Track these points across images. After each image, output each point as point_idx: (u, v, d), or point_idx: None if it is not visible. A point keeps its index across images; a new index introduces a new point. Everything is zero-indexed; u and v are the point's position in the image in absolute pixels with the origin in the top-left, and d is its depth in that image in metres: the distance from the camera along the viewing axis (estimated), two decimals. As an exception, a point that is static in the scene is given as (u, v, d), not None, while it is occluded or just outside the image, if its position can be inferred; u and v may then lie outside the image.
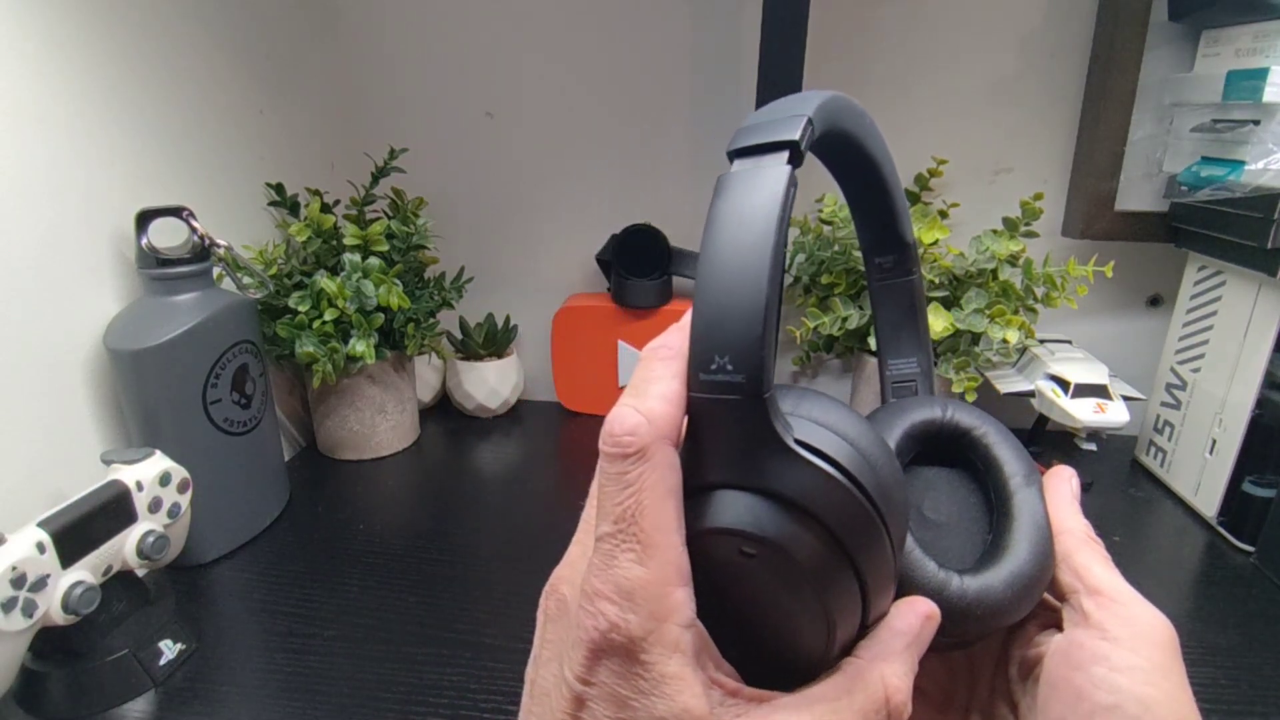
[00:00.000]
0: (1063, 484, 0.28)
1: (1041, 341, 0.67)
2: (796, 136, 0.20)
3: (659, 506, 0.19)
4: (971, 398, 0.61)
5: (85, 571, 0.38)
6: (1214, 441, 0.57)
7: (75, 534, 0.38)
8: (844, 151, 0.26)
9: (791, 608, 0.20)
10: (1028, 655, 0.27)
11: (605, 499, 0.20)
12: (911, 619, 0.22)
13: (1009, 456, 0.27)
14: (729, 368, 0.19)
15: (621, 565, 0.19)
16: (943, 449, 0.29)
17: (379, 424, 0.66)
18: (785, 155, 0.20)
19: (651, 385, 0.20)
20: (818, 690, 0.21)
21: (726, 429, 0.19)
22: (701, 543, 0.20)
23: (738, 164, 0.21)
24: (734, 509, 0.20)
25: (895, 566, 0.21)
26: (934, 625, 0.23)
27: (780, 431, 0.19)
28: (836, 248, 0.64)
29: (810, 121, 0.21)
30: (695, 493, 0.20)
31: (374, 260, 0.61)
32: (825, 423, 0.21)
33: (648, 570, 0.19)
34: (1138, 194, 0.64)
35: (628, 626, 0.19)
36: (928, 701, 0.30)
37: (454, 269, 0.71)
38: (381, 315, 0.61)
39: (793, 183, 0.20)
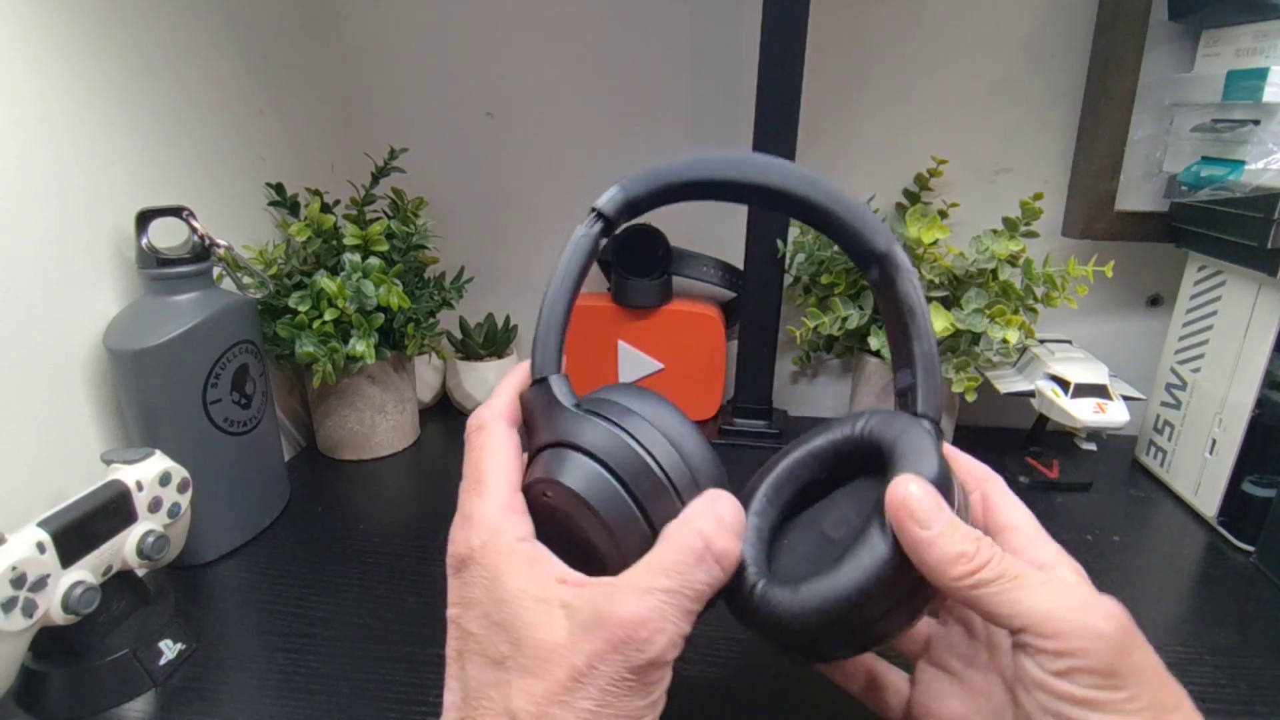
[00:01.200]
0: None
1: (1041, 341, 0.67)
2: (601, 204, 0.31)
3: (491, 460, 0.27)
4: (971, 398, 0.61)
5: (85, 571, 0.38)
6: (1214, 441, 0.57)
7: (75, 534, 0.38)
8: (741, 193, 0.34)
9: (593, 526, 0.26)
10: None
11: (464, 465, 0.27)
12: (703, 500, 0.27)
13: (898, 473, 0.27)
14: (535, 372, 0.29)
15: (468, 503, 0.27)
16: (868, 465, 0.30)
17: (379, 424, 0.66)
18: (593, 217, 0.31)
19: (498, 391, 0.30)
20: (641, 560, 0.25)
21: (533, 407, 0.29)
22: (528, 494, 0.28)
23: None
24: (537, 464, 0.28)
25: (665, 486, 0.27)
26: (728, 498, 0.27)
27: (559, 399, 0.28)
28: (836, 248, 0.64)
29: (621, 188, 0.31)
30: (530, 459, 0.29)
31: (374, 260, 0.61)
32: (606, 396, 0.29)
33: (483, 501, 0.27)
34: (1138, 194, 0.64)
35: (468, 540, 0.26)
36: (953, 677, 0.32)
37: (454, 269, 0.71)
38: (381, 315, 0.61)
39: (594, 238, 0.31)
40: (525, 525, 0.27)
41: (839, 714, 0.38)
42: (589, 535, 0.27)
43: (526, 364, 0.30)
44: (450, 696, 0.26)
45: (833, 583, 0.26)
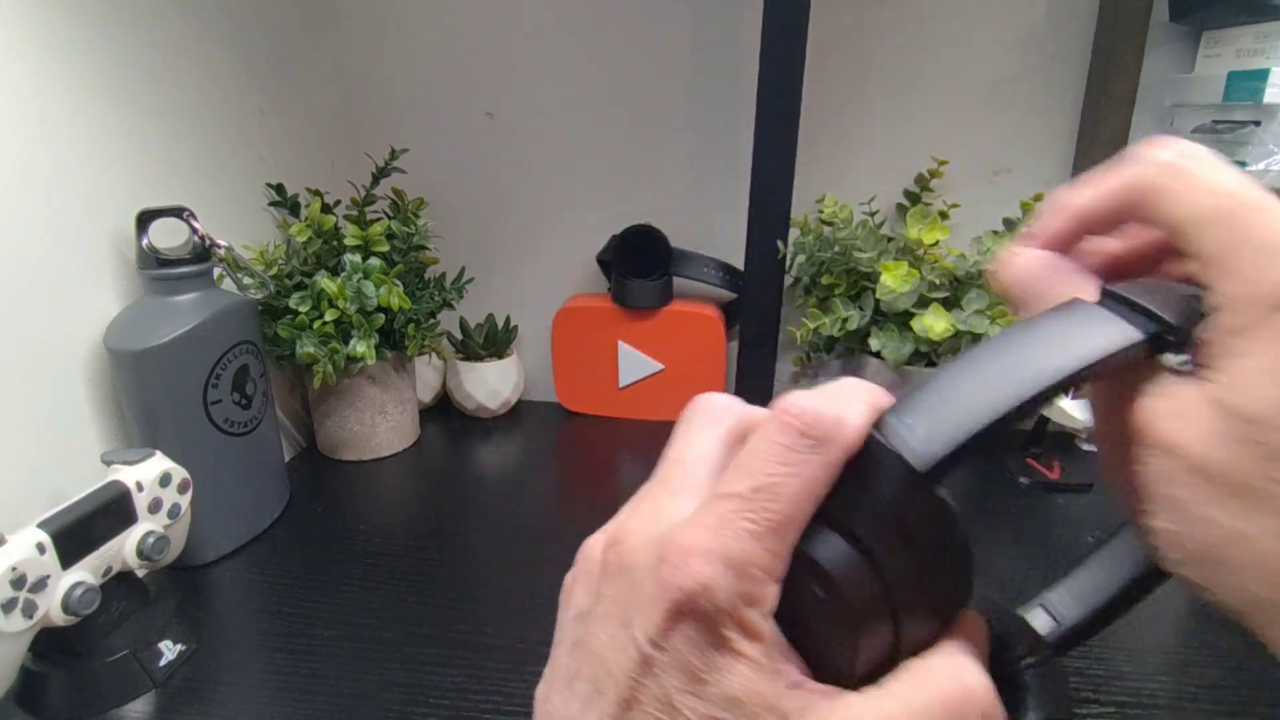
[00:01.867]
0: None
1: (1042, 342, 0.67)
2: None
3: (802, 497, 0.18)
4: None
5: (85, 572, 0.38)
6: (1214, 442, 0.56)
7: (75, 535, 0.38)
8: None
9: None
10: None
11: (755, 461, 0.19)
12: (975, 624, 0.20)
13: None
14: (918, 431, 0.18)
15: (735, 532, 0.18)
16: None
17: (379, 424, 0.66)
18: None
19: (855, 401, 0.19)
20: (887, 684, 0.19)
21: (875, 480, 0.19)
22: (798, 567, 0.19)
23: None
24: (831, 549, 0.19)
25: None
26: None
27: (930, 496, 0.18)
28: (836, 248, 0.64)
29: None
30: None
31: (374, 261, 0.61)
32: None
33: (760, 547, 0.18)
34: (1138, 194, 0.64)
35: (718, 593, 0.18)
36: None
37: (454, 269, 0.71)
38: (382, 316, 0.61)
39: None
40: (776, 599, 0.19)
41: None
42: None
43: (873, 395, 0.20)
44: None
45: None
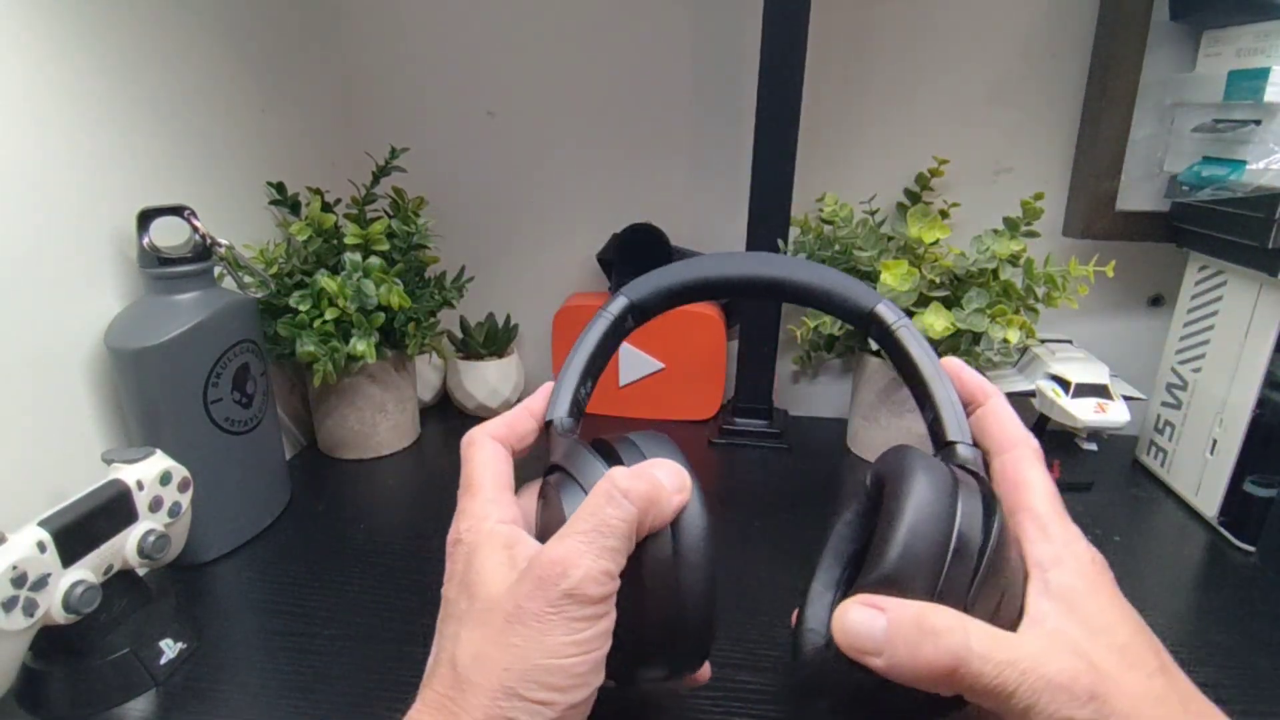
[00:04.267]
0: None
1: (1042, 341, 0.67)
2: (610, 308, 0.38)
3: (480, 467, 0.32)
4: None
5: (86, 570, 0.38)
6: (1215, 441, 0.57)
7: (76, 533, 0.38)
8: (736, 289, 0.38)
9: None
10: None
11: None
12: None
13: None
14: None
15: (461, 502, 0.31)
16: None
17: (379, 423, 0.66)
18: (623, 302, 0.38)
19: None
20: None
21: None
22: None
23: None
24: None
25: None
26: (651, 461, 0.30)
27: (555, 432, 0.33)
28: (837, 248, 0.64)
29: (625, 295, 0.38)
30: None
31: (375, 259, 0.61)
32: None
33: (473, 498, 0.31)
34: (1139, 194, 0.64)
35: (457, 526, 0.30)
36: None
37: (454, 268, 0.71)
38: (382, 314, 0.61)
39: (614, 319, 0.38)
40: (508, 512, 0.30)
41: None
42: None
43: (537, 401, 0.35)
44: (430, 660, 0.29)
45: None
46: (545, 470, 0.32)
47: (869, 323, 0.36)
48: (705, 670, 0.34)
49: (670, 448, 0.31)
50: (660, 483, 0.29)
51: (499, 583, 0.27)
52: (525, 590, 0.26)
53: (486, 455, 0.33)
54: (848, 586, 0.30)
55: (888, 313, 0.35)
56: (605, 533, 0.27)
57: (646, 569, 0.28)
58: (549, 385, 0.36)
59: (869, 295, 0.36)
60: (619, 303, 0.38)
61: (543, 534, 0.29)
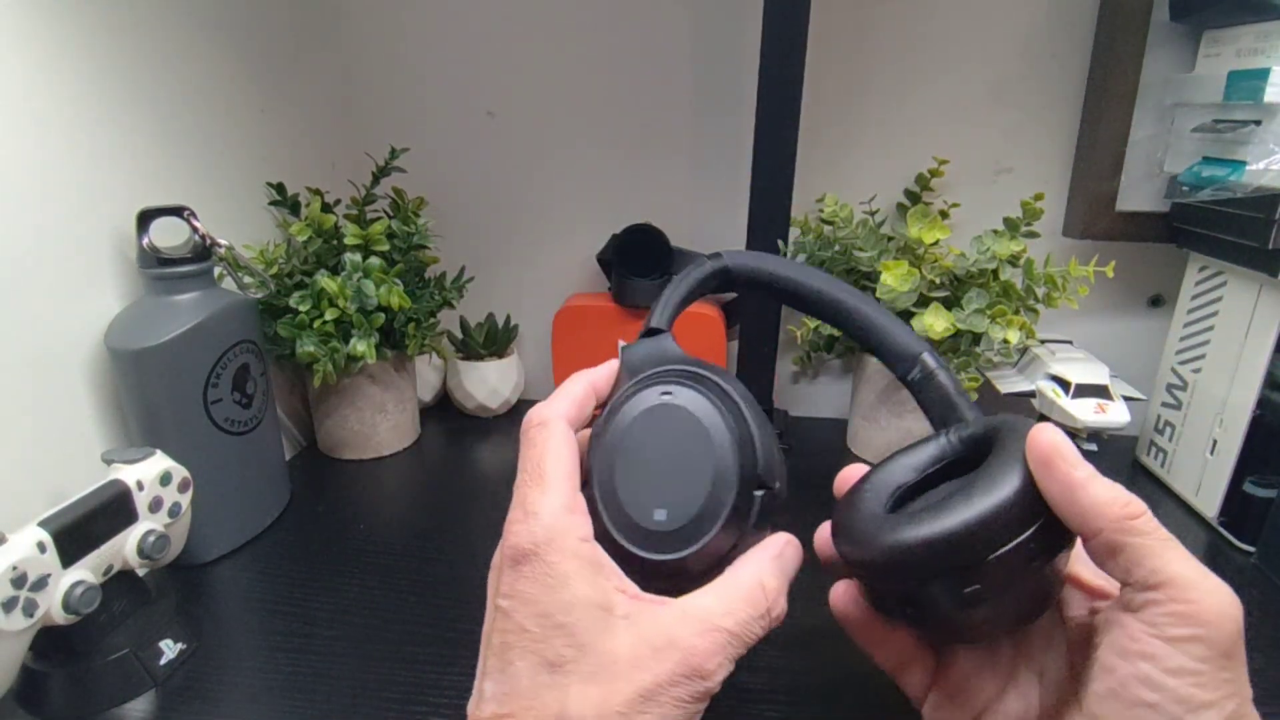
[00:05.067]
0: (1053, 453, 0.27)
1: (1042, 342, 0.67)
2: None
3: (554, 456, 0.27)
4: (973, 397, 0.60)
5: (86, 571, 0.38)
6: (1215, 442, 0.57)
7: (76, 533, 0.38)
8: (770, 288, 0.38)
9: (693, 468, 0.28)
10: (1081, 619, 0.29)
11: (520, 460, 0.27)
12: (774, 545, 0.28)
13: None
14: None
15: (530, 498, 0.27)
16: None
17: (379, 423, 0.66)
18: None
19: (561, 392, 0.30)
20: (708, 587, 0.26)
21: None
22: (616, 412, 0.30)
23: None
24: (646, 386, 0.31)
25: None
26: (795, 549, 0.29)
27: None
28: (836, 248, 0.64)
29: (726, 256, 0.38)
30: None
31: (375, 260, 0.61)
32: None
33: (546, 496, 0.26)
34: (1139, 194, 0.64)
35: (531, 534, 0.26)
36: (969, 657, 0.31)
37: (454, 269, 0.71)
38: (382, 315, 0.61)
39: (708, 273, 0.37)
40: (587, 526, 0.27)
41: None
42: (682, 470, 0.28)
43: (588, 371, 0.32)
44: (490, 687, 0.26)
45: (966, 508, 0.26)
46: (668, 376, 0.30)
47: (916, 363, 0.37)
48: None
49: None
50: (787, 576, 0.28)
51: (613, 640, 0.25)
52: (667, 672, 0.24)
53: (559, 441, 0.28)
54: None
55: (934, 360, 0.36)
56: (744, 644, 0.26)
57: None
58: (614, 363, 0.33)
59: (919, 341, 0.37)
60: (714, 263, 0.37)
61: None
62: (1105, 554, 0.25)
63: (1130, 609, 0.25)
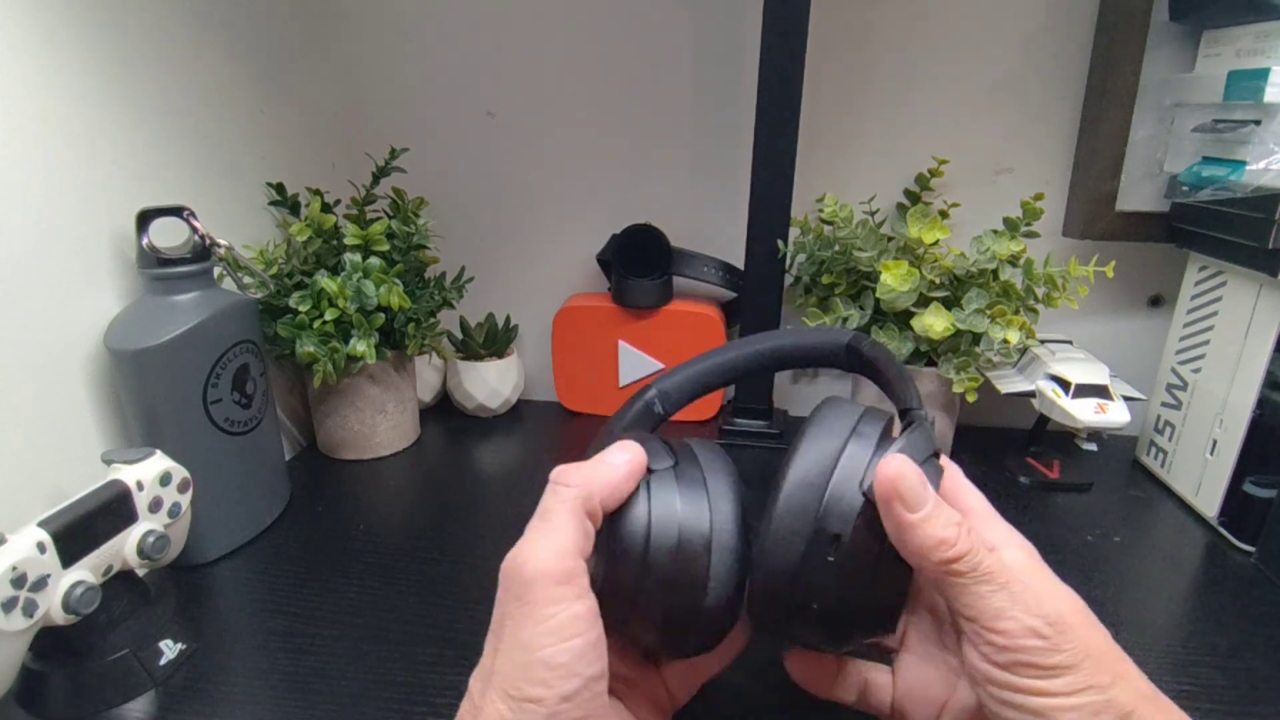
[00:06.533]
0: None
1: (1042, 342, 0.67)
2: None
3: (569, 514, 0.28)
4: (972, 398, 0.61)
5: (86, 571, 0.38)
6: (1214, 442, 0.57)
7: (76, 534, 0.38)
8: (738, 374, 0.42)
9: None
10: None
11: (542, 502, 0.29)
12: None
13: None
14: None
15: (534, 532, 0.28)
16: None
17: (379, 424, 0.66)
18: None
19: (604, 462, 0.31)
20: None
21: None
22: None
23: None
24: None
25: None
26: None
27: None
28: (836, 248, 0.64)
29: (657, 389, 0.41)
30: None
31: (375, 260, 0.61)
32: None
33: (548, 539, 0.28)
34: (1139, 194, 0.64)
35: (524, 565, 0.27)
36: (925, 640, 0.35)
37: (454, 269, 0.71)
38: (382, 315, 0.61)
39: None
40: (580, 576, 0.28)
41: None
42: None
43: (635, 457, 0.32)
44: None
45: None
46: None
47: (848, 353, 0.39)
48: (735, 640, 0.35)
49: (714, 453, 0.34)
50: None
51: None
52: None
53: (579, 510, 0.29)
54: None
55: (864, 343, 0.39)
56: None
57: (621, 543, 0.30)
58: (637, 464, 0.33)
59: (843, 333, 0.39)
60: (652, 399, 0.40)
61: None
62: (931, 585, 0.29)
63: (967, 639, 0.27)
